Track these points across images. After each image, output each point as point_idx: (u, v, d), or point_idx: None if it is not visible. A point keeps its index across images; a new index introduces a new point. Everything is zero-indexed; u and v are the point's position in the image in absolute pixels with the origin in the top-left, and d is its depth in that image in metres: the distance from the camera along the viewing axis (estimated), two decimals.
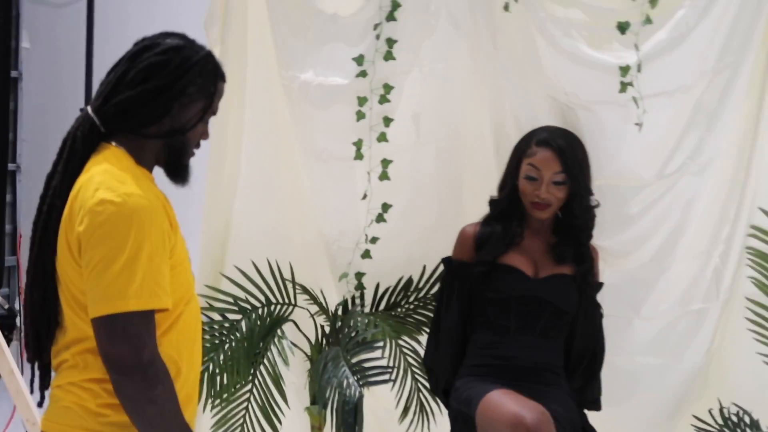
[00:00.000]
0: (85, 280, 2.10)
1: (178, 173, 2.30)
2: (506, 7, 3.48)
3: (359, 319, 3.59)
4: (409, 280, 3.68)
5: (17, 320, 4.24)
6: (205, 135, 2.32)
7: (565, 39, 3.43)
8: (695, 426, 3.39)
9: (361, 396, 3.22)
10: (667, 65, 3.37)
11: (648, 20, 3.35)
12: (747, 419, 3.29)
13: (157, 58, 2.20)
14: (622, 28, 3.37)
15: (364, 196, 3.66)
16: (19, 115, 5.56)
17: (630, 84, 3.35)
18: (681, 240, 3.47)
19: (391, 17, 3.60)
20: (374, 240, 3.68)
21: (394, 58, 3.62)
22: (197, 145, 2.32)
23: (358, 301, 3.71)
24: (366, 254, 3.69)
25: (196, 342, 2.29)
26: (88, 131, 2.21)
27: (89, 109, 2.23)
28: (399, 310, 3.69)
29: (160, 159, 2.28)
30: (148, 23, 5.21)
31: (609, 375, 3.44)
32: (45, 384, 2.29)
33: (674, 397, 3.51)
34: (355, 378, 3.29)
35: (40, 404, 2.32)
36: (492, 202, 3.30)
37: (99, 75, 4.16)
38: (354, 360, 3.38)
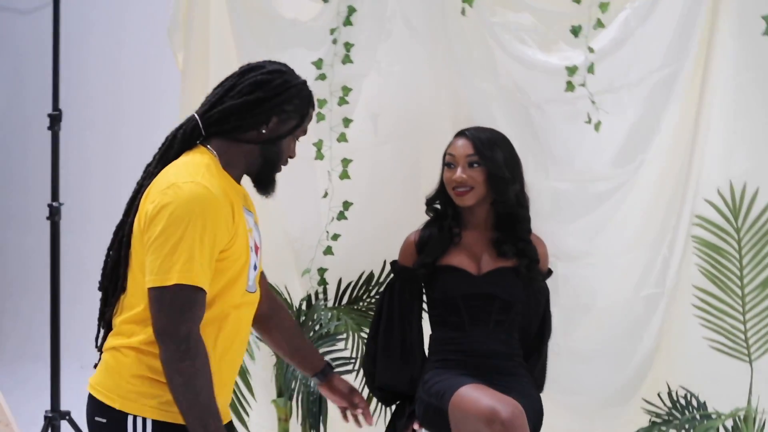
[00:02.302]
0: (144, 254, 2.33)
1: (267, 184, 2.56)
2: (463, 12, 3.60)
3: (322, 313, 3.71)
4: (371, 275, 3.78)
5: None
6: (293, 153, 2.58)
7: (516, 42, 3.56)
8: (645, 409, 3.47)
9: None
10: (613, 65, 3.50)
11: (600, 24, 3.49)
12: (694, 402, 3.38)
13: (262, 77, 2.50)
14: (575, 31, 3.50)
15: (325, 195, 3.78)
16: None
17: (582, 85, 3.48)
18: (631, 231, 3.58)
19: (348, 22, 3.73)
20: (335, 237, 3.80)
21: (351, 62, 3.74)
22: (285, 162, 2.57)
23: (321, 296, 3.81)
24: (328, 251, 3.81)
25: (232, 349, 2.47)
26: (190, 131, 2.47)
27: (195, 114, 2.48)
28: (361, 303, 3.80)
29: (252, 169, 2.52)
30: (114, 29, 5.30)
31: (566, 363, 3.54)
32: (104, 339, 2.50)
33: (626, 381, 3.61)
34: None
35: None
36: (427, 201, 3.35)
37: (65, 79, 4.22)
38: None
